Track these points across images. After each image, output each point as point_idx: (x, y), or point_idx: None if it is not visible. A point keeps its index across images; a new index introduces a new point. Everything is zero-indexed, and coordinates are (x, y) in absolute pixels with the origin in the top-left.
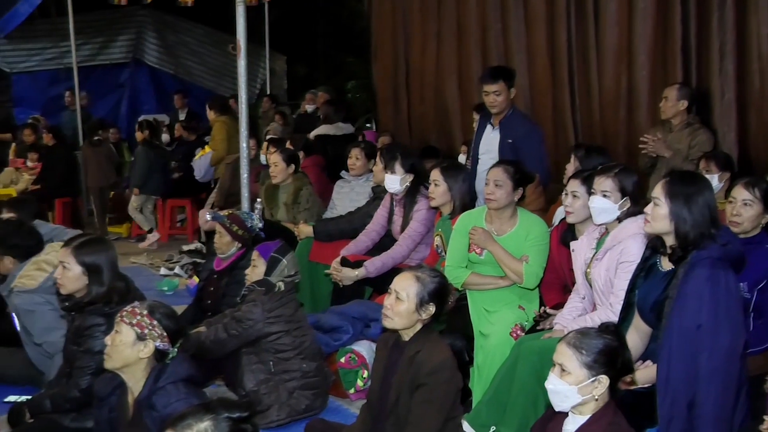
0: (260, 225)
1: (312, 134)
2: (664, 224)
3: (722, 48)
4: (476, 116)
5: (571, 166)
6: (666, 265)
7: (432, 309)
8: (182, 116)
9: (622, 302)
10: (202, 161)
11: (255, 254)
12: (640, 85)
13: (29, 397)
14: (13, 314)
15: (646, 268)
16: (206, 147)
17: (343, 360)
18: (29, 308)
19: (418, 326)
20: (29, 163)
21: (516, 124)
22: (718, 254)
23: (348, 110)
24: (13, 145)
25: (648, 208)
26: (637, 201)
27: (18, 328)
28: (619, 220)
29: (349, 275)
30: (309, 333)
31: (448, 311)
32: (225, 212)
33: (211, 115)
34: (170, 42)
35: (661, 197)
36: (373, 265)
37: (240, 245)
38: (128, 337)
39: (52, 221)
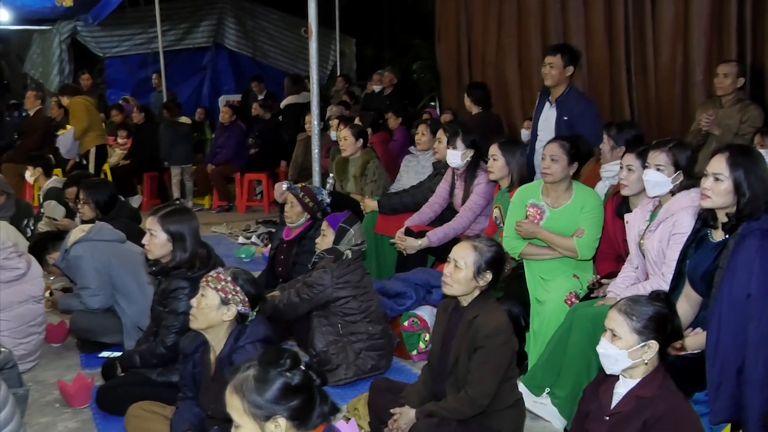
0: (328, 200)
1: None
2: (726, 199)
3: None
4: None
5: (605, 146)
6: (717, 236)
7: (489, 276)
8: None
9: (673, 272)
10: (66, 138)
11: (324, 224)
12: (696, 62)
13: (121, 353)
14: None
15: (697, 239)
16: (67, 126)
17: (406, 324)
18: None
19: (476, 292)
20: (119, 140)
21: (572, 102)
22: None
23: (412, 89)
24: (103, 124)
25: (707, 184)
26: (690, 175)
27: None
28: (672, 193)
29: (412, 245)
30: (375, 298)
31: (507, 279)
32: (299, 185)
33: (64, 100)
34: (248, 27)
35: (724, 172)
36: (435, 236)
37: (308, 216)
38: (213, 300)
39: (141, 194)
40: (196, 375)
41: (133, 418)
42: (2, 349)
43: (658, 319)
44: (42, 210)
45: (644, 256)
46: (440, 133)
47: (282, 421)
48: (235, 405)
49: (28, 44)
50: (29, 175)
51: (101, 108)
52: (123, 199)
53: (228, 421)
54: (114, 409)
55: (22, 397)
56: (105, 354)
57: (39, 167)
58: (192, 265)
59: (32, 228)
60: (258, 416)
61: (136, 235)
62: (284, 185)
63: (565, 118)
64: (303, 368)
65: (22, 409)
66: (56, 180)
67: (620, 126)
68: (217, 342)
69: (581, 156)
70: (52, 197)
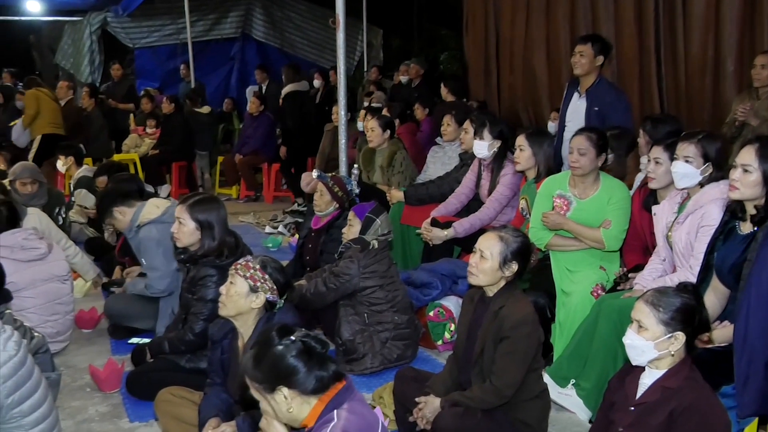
0: (357, 191)
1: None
2: (755, 191)
3: None
4: None
5: (642, 140)
6: (745, 228)
7: (515, 267)
8: (263, 89)
9: (701, 264)
10: (16, 127)
11: (351, 214)
12: (727, 53)
13: (150, 339)
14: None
15: (725, 232)
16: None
17: (432, 314)
18: None
19: (502, 283)
20: (148, 130)
21: (602, 92)
22: None
23: (440, 81)
24: (132, 115)
25: (736, 175)
26: (720, 167)
27: None
28: (701, 185)
29: (438, 235)
30: (401, 288)
31: (533, 270)
32: (328, 174)
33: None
34: (276, 18)
35: (753, 164)
36: (462, 226)
37: (337, 205)
38: (242, 288)
39: (170, 183)
40: (224, 361)
41: (162, 403)
42: (36, 334)
43: (686, 311)
44: (73, 199)
45: (672, 249)
46: (466, 124)
47: (285, 390)
48: (250, 384)
49: (59, 35)
50: (61, 164)
51: (131, 98)
52: (152, 189)
53: (255, 407)
54: (144, 394)
55: (55, 382)
56: (135, 340)
57: (71, 156)
58: (220, 253)
59: (63, 216)
60: (264, 390)
61: None
62: (314, 173)
63: (596, 108)
64: (293, 338)
65: (54, 393)
66: (87, 169)
67: (655, 120)
68: (246, 329)
69: (626, 147)
70: (82, 186)
